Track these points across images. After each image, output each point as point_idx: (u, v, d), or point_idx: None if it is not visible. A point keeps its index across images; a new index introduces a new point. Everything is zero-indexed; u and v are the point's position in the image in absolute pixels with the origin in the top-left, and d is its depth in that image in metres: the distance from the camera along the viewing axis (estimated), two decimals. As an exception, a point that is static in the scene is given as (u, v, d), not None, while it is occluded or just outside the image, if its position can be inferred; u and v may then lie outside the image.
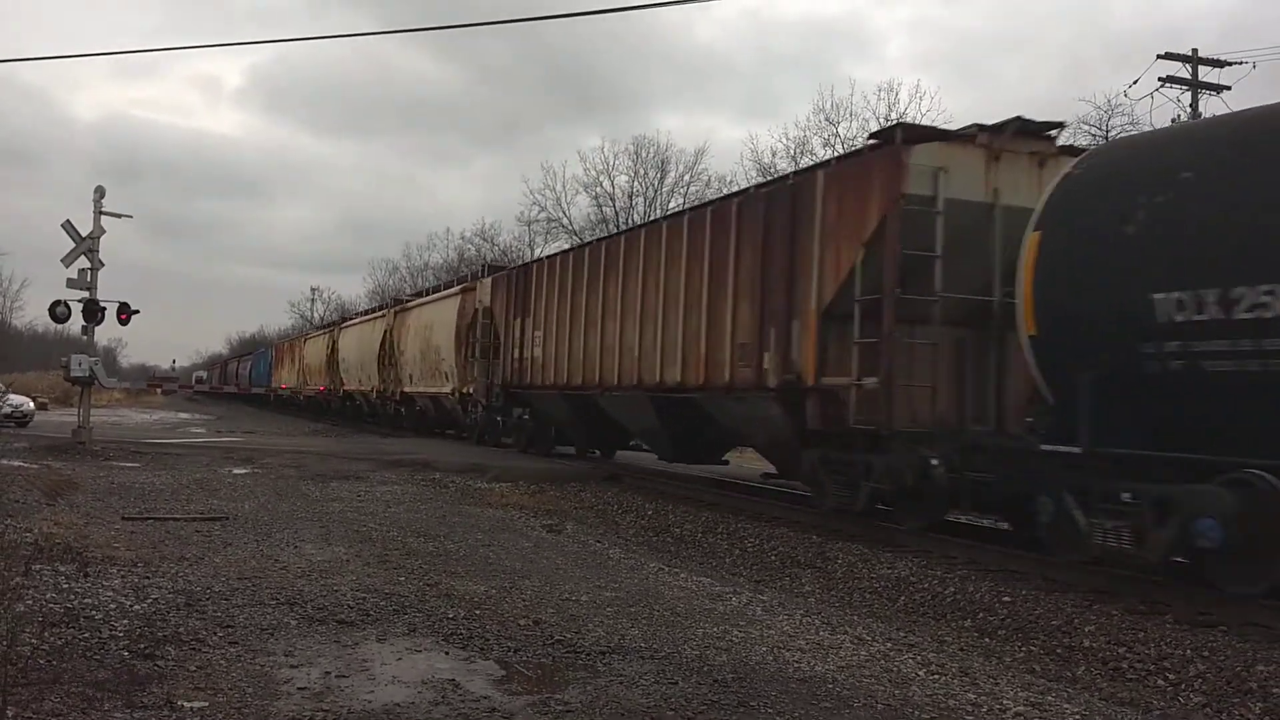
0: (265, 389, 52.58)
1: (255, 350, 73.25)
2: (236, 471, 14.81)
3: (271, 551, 7.97)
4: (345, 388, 35.50)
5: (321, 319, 77.12)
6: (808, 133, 37.38)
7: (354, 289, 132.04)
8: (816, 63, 75.98)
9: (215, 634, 5.36)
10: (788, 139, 38.92)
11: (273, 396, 51.51)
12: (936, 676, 5.37)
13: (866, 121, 33.23)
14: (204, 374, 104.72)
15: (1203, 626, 6.65)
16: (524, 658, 5.31)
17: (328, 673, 4.79)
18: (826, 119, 35.98)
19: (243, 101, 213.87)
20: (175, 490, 11.93)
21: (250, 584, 6.63)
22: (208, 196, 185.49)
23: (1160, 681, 5.88)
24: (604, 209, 46.21)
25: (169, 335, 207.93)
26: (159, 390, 78.66)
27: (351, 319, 40.83)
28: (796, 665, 5.43)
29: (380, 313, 32.69)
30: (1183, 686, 5.79)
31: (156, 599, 6.07)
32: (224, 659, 4.93)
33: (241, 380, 64.17)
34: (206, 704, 4.26)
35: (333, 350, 37.23)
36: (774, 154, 37.52)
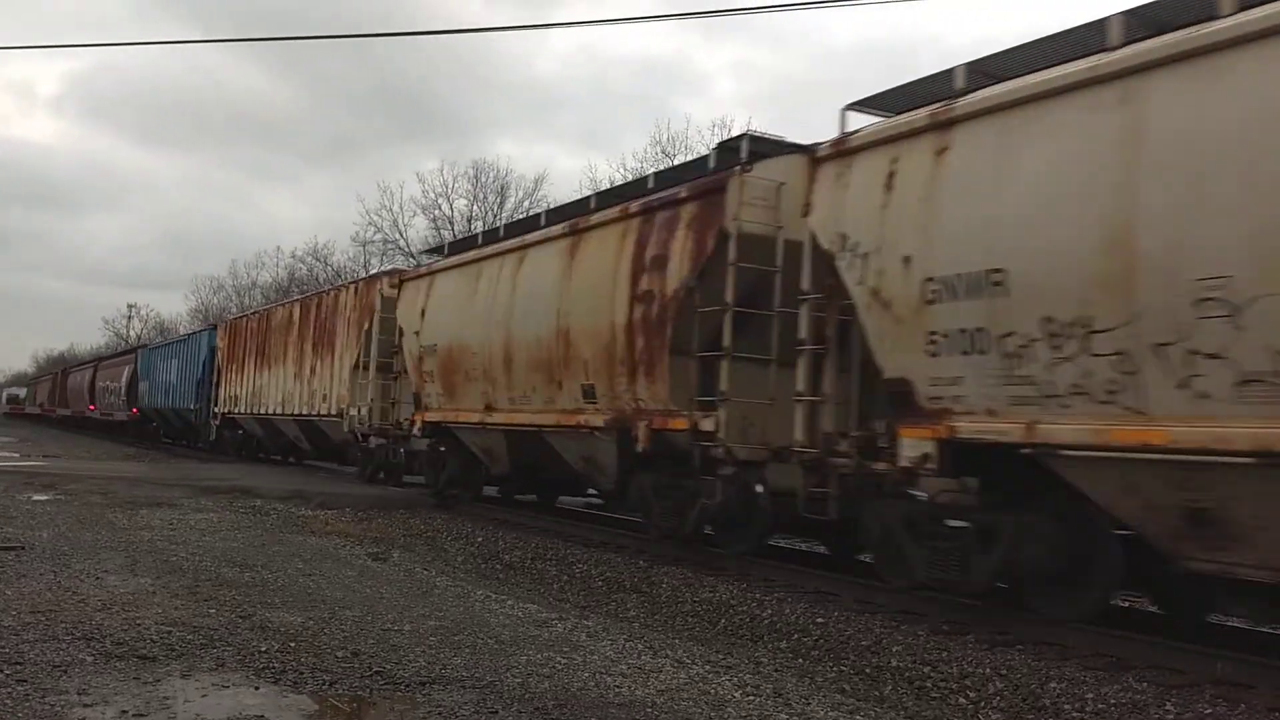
0: (197, 414, 30.97)
1: (151, 344, 51.42)
2: (36, 498, 13.88)
3: (70, 583, 7.50)
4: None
5: (139, 338, 73.28)
6: (645, 164, 38.06)
7: (174, 306, 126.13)
8: (649, 97, 77.92)
9: (1, 671, 5.00)
10: (625, 170, 39.49)
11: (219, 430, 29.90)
12: (752, 698, 5.51)
13: (699, 153, 34.11)
14: (20, 392, 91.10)
15: (1001, 646, 7.04)
16: (339, 690, 5.17)
17: (124, 711, 4.54)
18: (663, 151, 36.81)
19: (58, 109, 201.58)
20: (-36, 518, 11.10)
21: (44, 618, 6.22)
22: (17, 206, 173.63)
23: (962, 700, 6.18)
24: (442, 232, 45.84)
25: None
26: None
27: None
28: (617, 690, 5.48)
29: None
30: (982, 704, 6.10)
31: (-65, 635, 5.63)
32: (10, 698, 4.60)
33: (109, 397, 44.53)
34: (-15, 748, 3.98)
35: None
36: (611, 182, 38.01)
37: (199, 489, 16.04)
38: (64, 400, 58.57)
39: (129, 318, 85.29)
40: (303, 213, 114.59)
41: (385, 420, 18.89)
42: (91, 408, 48.53)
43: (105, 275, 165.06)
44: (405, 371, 17.05)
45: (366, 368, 19.41)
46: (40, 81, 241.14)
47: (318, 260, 55.57)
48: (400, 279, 17.64)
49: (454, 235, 44.30)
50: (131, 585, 7.60)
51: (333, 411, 20.75)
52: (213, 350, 30.29)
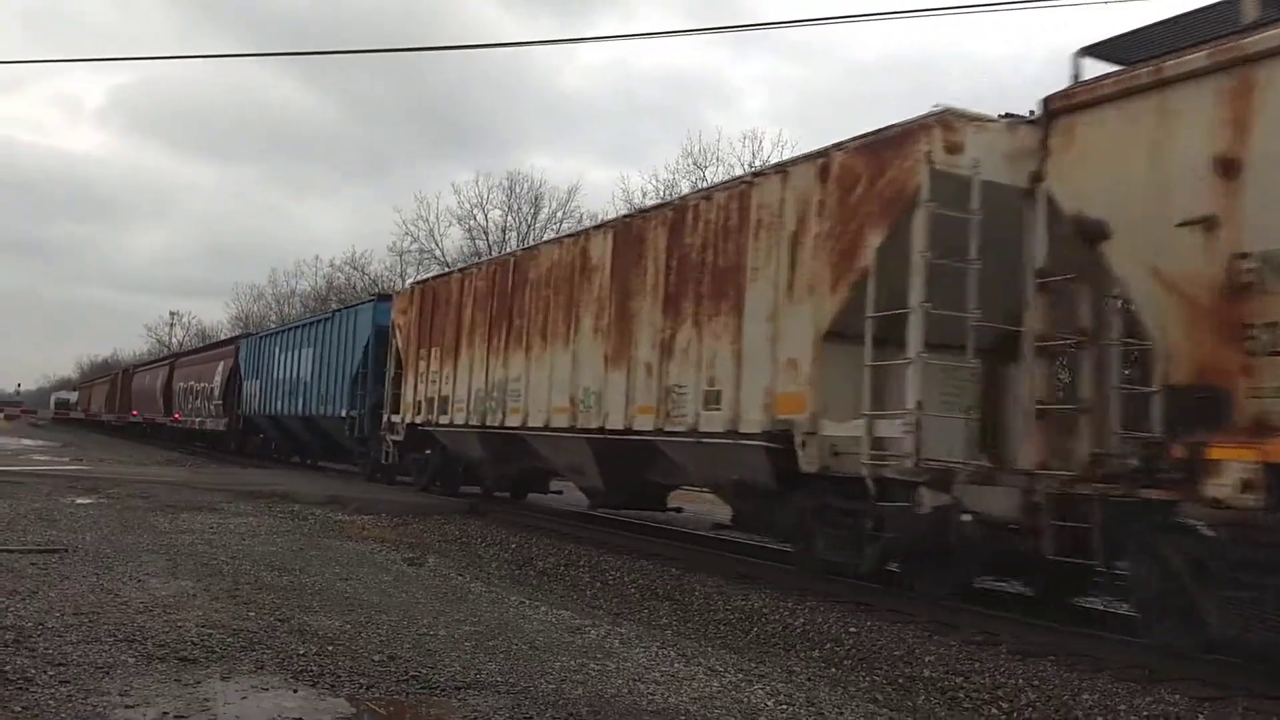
0: (352, 425, 22.11)
1: (262, 331, 38.92)
2: (80, 501, 14.13)
3: (112, 585, 7.64)
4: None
5: (180, 344, 74.01)
6: (676, 175, 38.11)
7: (215, 314, 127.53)
8: (679, 111, 78.32)
9: (45, 672, 5.11)
10: (657, 180, 39.58)
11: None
12: (784, 706, 5.52)
13: (731, 167, 34.20)
14: (70, 396, 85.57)
15: (1034, 656, 7.00)
16: (376, 694, 5.24)
17: (165, 713, 4.63)
18: (694, 163, 36.83)
19: (104, 122, 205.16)
20: (11, 520, 11.31)
21: (87, 619, 6.35)
22: (62, 217, 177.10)
23: (995, 710, 6.15)
24: (477, 242, 46.13)
25: (15, 358, 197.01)
26: (1, 414, 74.05)
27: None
28: (651, 697, 5.50)
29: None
30: (1015, 715, 6.07)
31: (-17, 636, 5.77)
32: (53, 699, 4.71)
33: (195, 401, 36.44)
34: (33, 746, 4.08)
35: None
36: (644, 194, 38.13)
37: (238, 493, 16.25)
38: (127, 404, 51.50)
39: (171, 325, 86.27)
40: (340, 223, 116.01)
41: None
42: (176, 416, 40.17)
43: (147, 284, 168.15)
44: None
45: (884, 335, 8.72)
46: (87, 95, 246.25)
47: (355, 269, 55.97)
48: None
49: (489, 246, 44.62)
50: (173, 588, 7.73)
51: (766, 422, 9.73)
52: (380, 331, 20.91)
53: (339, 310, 25.84)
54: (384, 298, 22.17)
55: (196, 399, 36.48)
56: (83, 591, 7.32)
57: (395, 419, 19.24)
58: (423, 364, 18.05)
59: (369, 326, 21.62)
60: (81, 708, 4.62)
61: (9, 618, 6.25)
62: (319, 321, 25.68)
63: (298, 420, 25.95)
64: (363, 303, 24.16)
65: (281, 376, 26.98)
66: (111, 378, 63.50)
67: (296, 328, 27.62)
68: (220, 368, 33.44)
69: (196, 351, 44.08)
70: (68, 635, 5.91)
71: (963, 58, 66.74)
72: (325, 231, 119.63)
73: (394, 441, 19.37)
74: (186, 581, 8.06)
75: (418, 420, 18.10)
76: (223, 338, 48.92)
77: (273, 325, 50.23)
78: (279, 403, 27.08)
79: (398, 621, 7.04)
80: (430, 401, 17.56)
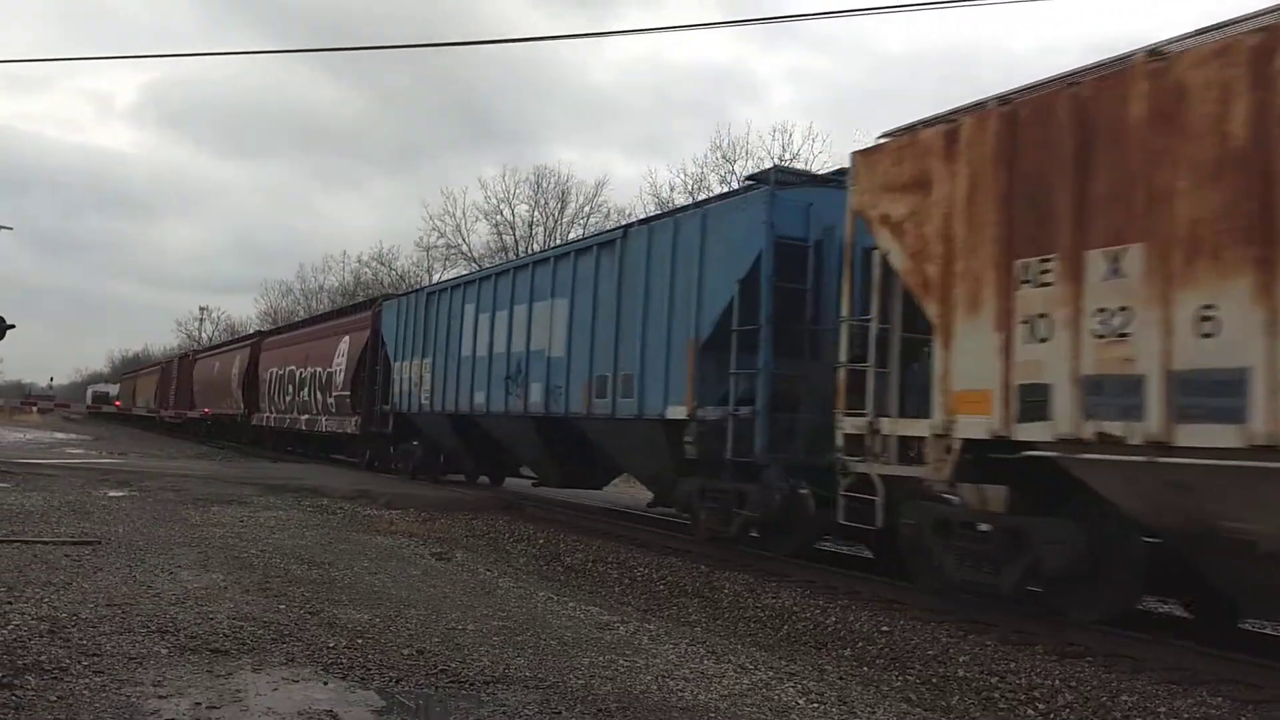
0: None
1: (436, 284, 24.04)
2: (112, 494, 14.26)
3: (145, 577, 7.69)
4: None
5: (210, 339, 74.54)
6: (705, 169, 37.93)
7: (244, 310, 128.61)
8: (706, 105, 78.19)
9: (80, 662, 5.15)
10: (685, 175, 39.44)
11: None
12: (816, 705, 5.47)
13: (761, 160, 33.98)
14: (109, 389, 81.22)
15: (1070, 657, 6.90)
16: (406, 688, 5.23)
17: (198, 703, 4.64)
18: (724, 157, 36.63)
19: (136, 118, 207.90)
20: (45, 512, 11.43)
21: (120, 611, 6.39)
22: (94, 213, 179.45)
23: (1030, 711, 6.06)
24: (504, 237, 46.25)
25: (48, 353, 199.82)
26: (34, 409, 74.83)
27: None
28: (680, 694, 5.46)
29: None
30: (1052, 716, 5.98)
31: (18, 625, 5.81)
32: (88, 689, 4.73)
33: (304, 394, 26.32)
34: (66, 736, 4.10)
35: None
36: (671, 189, 38.04)
37: (268, 487, 16.34)
38: (186, 397, 41.75)
39: (200, 320, 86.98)
40: (367, 218, 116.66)
41: None
42: (268, 414, 29.87)
43: (177, 279, 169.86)
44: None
45: None
46: (119, 92, 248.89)
47: (382, 265, 56.21)
48: None
49: (515, 241, 44.69)
50: (204, 580, 7.76)
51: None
52: (789, 250, 10.58)
53: (654, 220, 13.66)
54: (784, 184, 10.97)
55: (302, 390, 26.45)
56: (115, 583, 7.37)
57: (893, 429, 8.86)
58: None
59: (758, 237, 10.51)
60: (115, 698, 4.64)
61: (44, 609, 6.30)
62: (592, 249, 13.73)
63: (521, 423, 15.34)
64: (741, 192, 12.88)
65: (480, 352, 16.34)
66: (163, 366, 53.27)
67: (524, 266, 15.77)
68: (344, 345, 23.54)
69: (302, 325, 32.49)
70: (101, 626, 5.95)
71: (995, 50, 66.24)
72: (353, 227, 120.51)
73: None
74: (217, 574, 8.10)
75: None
76: (340, 307, 36.40)
77: (455, 274, 36.11)
78: (473, 394, 16.52)
79: (426, 615, 7.03)
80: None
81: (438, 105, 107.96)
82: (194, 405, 40.41)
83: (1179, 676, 6.42)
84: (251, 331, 48.00)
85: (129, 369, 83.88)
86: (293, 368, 27.73)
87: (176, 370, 46.33)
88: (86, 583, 7.30)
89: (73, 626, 5.88)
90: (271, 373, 29.79)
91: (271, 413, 29.74)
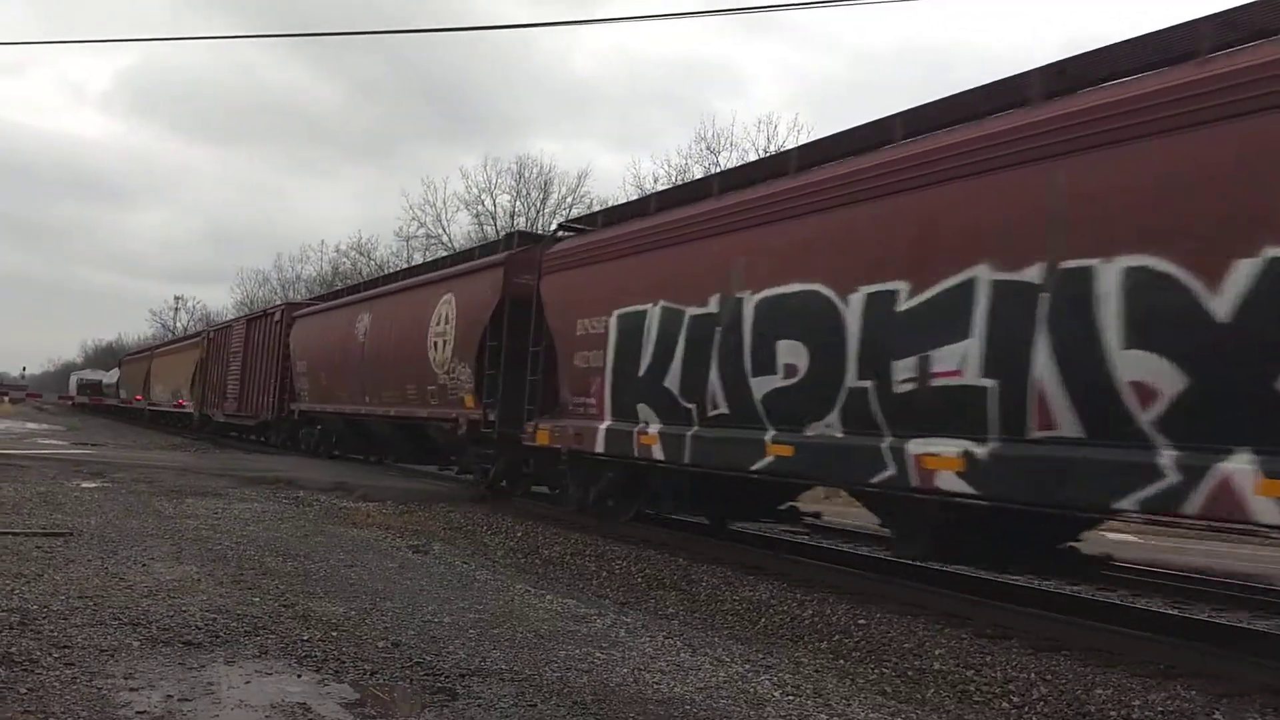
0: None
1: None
2: (85, 485, 14.12)
3: (117, 569, 7.61)
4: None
5: (185, 329, 73.65)
6: (689, 160, 37.93)
7: (219, 299, 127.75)
8: (689, 97, 78.19)
9: (50, 655, 5.08)
10: (669, 166, 39.43)
11: None
12: (791, 698, 5.47)
13: (746, 152, 34.00)
14: (105, 377, 66.61)
15: (1046, 650, 6.93)
16: (380, 680, 5.19)
17: (170, 696, 4.59)
18: (708, 148, 36.62)
19: (108, 105, 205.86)
20: (16, 504, 11.30)
21: (92, 603, 6.32)
22: (66, 200, 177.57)
23: (1005, 704, 6.09)
24: (485, 227, 46.06)
25: (18, 342, 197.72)
26: (6, 398, 73.66)
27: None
28: (656, 687, 5.45)
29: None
30: (1026, 709, 6.01)
31: (-13, 618, 5.73)
32: (58, 681, 4.67)
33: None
34: (35, 729, 4.04)
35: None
36: (655, 180, 38.00)
37: (243, 479, 16.23)
38: (253, 391, 27.22)
39: (175, 309, 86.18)
40: (345, 208, 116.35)
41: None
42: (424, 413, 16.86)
43: (151, 268, 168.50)
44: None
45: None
46: (91, 79, 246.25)
47: (361, 254, 55.87)
48: None
49: (497, 231, 44.55)
50: (177, 572, 7.69)
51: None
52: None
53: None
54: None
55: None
56: (87, 575, 7.29)
57: None
58: None
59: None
60: (86, 690, 4.58)
61: (14, 600, 6.22)
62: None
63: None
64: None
65: None
66: (208, 335, 34.43)
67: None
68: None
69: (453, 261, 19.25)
70: (72, 618, 5.88)
71: (973, 46, 66.46)
72: (331, 216, 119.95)
73: None
74: (191, 566, 8.03)
75: None
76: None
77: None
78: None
79: (402, 608, 6.99)
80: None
81: (417, 95, 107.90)
82: (295, 395, 24.44)
83: (1154, 670, 6.47)
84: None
85: (151, 344, 62.77)
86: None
87: (224, 342, 30.92)
88: (58, 574, 7.22)
89: (43, 618, 5.81)
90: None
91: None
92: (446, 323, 16.30)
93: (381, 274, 32.03)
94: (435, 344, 16.54)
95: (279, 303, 33.21)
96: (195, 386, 34.53)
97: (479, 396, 14.90)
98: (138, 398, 47.34)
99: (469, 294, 15.79)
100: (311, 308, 25.37)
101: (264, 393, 26.32)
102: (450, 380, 15.92)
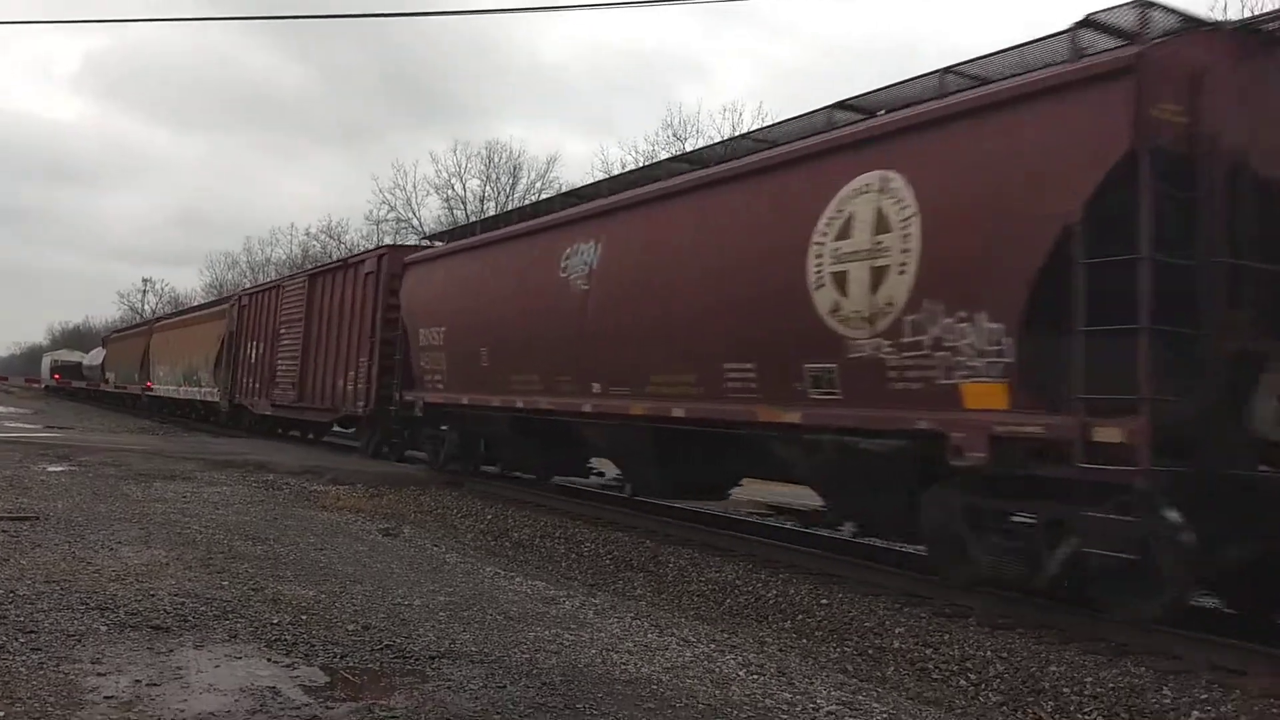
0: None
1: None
2: (51, 469, 14.03)
3: (84, 554, 7.61)
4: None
5: (153, 312, 72.75)
6: (656, 147, 37.91)
7: (188, 282, 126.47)
8: (656, 85, 78.22)
9: (16, 640, 5.10)
10: (636, 152, 39.46)
11: None
12: (756, 676, 5.58)
13: (711, 138, 34.12)
14: (87, 358, 58.74)
15: (1002, 629, 7.09)
16: (350, 663, 5.25)
17: (138, 680, 4.63)
18: (674, 135, 36.66)
19: (78, 87, 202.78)
20: (-19, 489, 11.23)
21: (59, 588, 6.32)
22: (32, 183, 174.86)
23: (963, 681, 6.24)
24: (455, 212, 45.89)
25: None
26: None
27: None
28: (624, 667, 5.54)
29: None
30: (983, 686, 6.16)
31: (-47, 604, 5.73)
32: (25, 666, 4.70)
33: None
34: (3, 714, 4.07)
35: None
36: (623, 165, 37.99)
37: (213, 463, 16.18)
38: (314, 381, 20.72)
39: (144, 292, 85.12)
40: (315, 192, 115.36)
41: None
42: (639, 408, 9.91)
43: (119, 251, 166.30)
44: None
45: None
46: (60, 60, 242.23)
47: (331, 238, 55.44)
48: None
49: (466, 215, 44.39)
50: (145, 557, 7.70)
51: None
52: None
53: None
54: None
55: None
56: (54, 559, 7.28)
57: None
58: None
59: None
60: (53, 675, 4.61)
61: (-21, 585, 6.22)
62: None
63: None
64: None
65: None
66: (239, 300, 27.76)
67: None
68: None
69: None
70: (39, 603, 5.89)
71: (940, 41, 66.59)
72: (301, 200, 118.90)
73: None
74: (159, 550, 8.04)
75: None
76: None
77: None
78: None
79: (372, 591, 7.04)
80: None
81: (387, 79, 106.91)
82: (412, 380, 16.84)
83: (1106, 648, 6.63)
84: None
85: (127, 325, 58.24)
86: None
87: (261, 304, 25.21)
88: (24, 559, 7.20)
89: (9, 604, 5.81)
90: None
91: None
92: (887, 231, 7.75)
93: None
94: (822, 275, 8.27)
95: (369, 248, 24.94)
96: (221, 368, 26.92)
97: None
98: (149, 385, 36.87)
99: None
100: (441, 247, 17.16)
101: (344, 376, 19.26)
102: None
